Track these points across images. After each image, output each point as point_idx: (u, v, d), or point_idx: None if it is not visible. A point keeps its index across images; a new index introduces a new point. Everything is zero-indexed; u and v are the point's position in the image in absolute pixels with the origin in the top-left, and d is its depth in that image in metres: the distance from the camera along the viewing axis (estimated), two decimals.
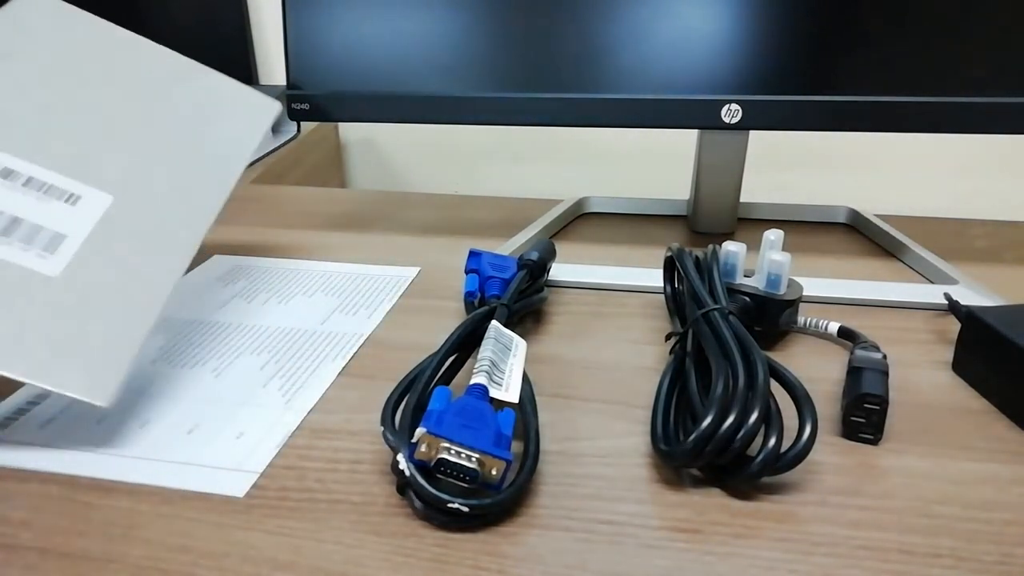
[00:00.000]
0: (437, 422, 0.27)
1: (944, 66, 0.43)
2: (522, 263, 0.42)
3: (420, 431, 0.26)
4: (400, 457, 0.27)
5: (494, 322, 0.34)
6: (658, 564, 0.26)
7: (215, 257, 0.51)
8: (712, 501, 0.28)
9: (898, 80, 0.43)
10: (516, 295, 0.39)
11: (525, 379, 0.33)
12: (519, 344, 0.34)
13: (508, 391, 0.30)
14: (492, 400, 0.29)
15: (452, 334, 0.34)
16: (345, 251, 0.52)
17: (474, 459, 0.26)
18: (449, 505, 0.26)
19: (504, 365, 0.31)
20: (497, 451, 0.26)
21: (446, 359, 0.33)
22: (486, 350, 0.32)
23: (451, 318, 0.43)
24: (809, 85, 0.44)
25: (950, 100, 0.43)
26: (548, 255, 0.44)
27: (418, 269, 0.49)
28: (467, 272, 0.42)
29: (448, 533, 0.27)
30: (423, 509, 0.27)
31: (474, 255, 0.42)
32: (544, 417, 0.33)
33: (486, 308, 0.37)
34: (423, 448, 0.26)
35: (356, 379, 0.37)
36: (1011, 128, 0.43)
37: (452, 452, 0.26)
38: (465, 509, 0.26)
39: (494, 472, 0.26)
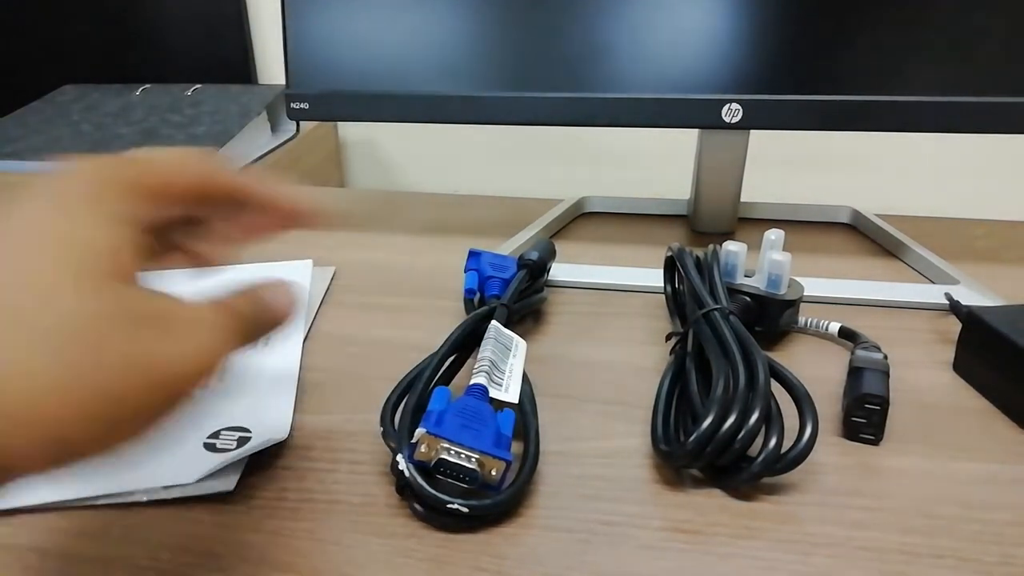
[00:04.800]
0: (437, 422, 0.27)
1: (945, 66, 0.42)
2: (522, 263, 0.42)
3: (420, 431, 0.26)
4: (399, 458, 0.27)
5: (494, 322, 0.34)
6: (658, 565, 0.25)
7: None
8: (712, 502, 0.28)
9: (899, 80, 0.43)
10: (516, 295, 0.39)
11: (525, 379, 0.32)
12: (519, 344, 0.34)
13: (508, 391, 0.30)
14: (492, 400, 0.29)
15: (452, 334, 0.34)
16: (344, 250, 0.52)
17: (474, 459, 0.26)
18: (448, 506, 0.26)
19: (504, 365, 0.31)
20: (497, 451, 0.26)
21: (446, 359, 0.33)
22: (486, 350, 0.31)
23: (451, 318, 0.43)
24: (810, 85, 0.44)
25: (951, 100, 0.43)
26: (548, 255, 0.44)
27: (334, 269, 0.49)
28: (466, 271, 0.42)
29: (447, 534, 0.27)
30: (422, 510, 0.27)
31: (474, 255, 0.42)
32: (544, 417, 0.33)
33: (486, 308, 0.37)
34: (423, 448, 0.26)
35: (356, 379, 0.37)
36: (1012, 128, 0.43)
37: (452, 452, 0.26)
38: (464, 510, 0.26)
39: (493, 473, 0.26)
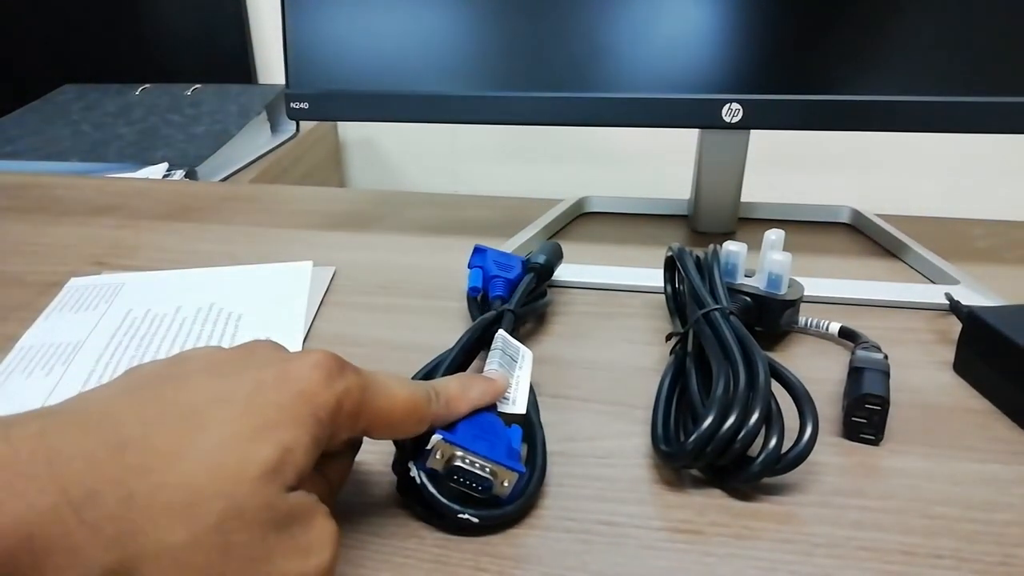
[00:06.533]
0: (452, 431, 0.27)
1: (945, 66, 0.42)
2: (529, 267, 0.41)
3: (436, 438, 0.26)
4: (411, 464, 0.27)
5: (501, 331, 0.34)
6: (658, 565, 0.25)
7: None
8: (713, 502, 0.28)
9: (900, 79, 0.43)
10: (523, 300, 0.38)
11: (530, 389, 0.32)
12: (525, 355, 0.33)
13: (515, 404, 0.30)
14: (499, 413, 0.29)
15: (461, 338, 0.34)
16: (343, 250, 0.52)
17: (487, 469, 0.26)
18: (459, 516, 0.26)
19: (511, 379, 0.31)
20: (511, 463, 0.26)
21: (456, 363, 0.33)
22: (493, 362, 0.31)
23: (451, 318, 0.43)
24: (810, 84, 0.44)
25: (952, 100, 0.42)
26: (555, 258, 0.44)
27: (333, 269, 0.49)
28: (471, 267, 0.41)
29: (448, 535, 0.27)
30: (425, 513, 0.27)
31: (479, 251, 0.42)
32: (545, 418, 0.33)
33: (493, 313, 0.36)
34: (437, 456, 0.26)
35: None
36: (1012, 128, 0.42)
37: (467, 461, 0.26)
38: (475, 520, 0.26)
39: (505, 484, 0.26)
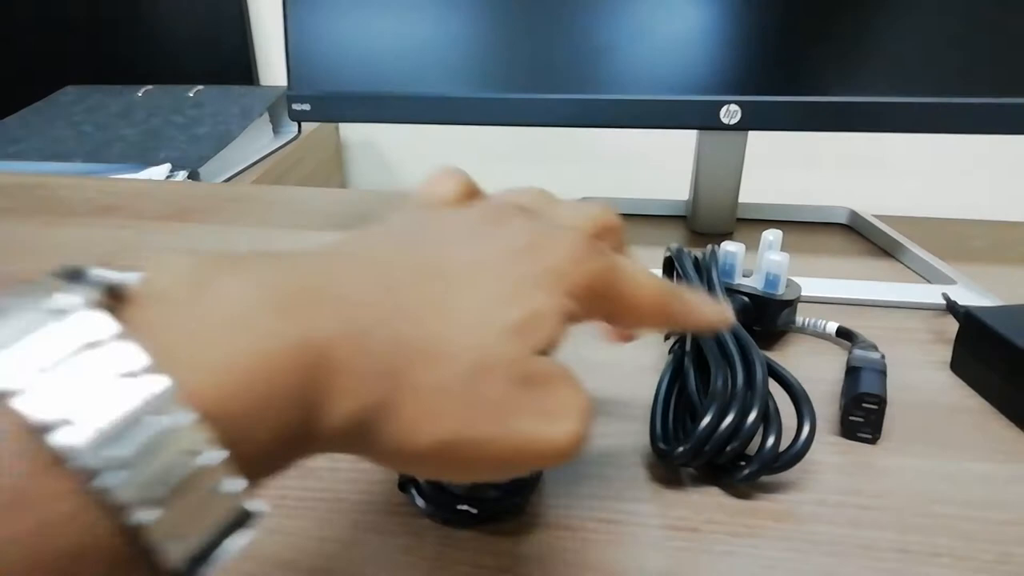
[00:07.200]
0: None
1: (944, 66, 0.43)
2: None
3: None
4: None
5: None
6: (657, 563, 0.26)
7: None
8: (711, 500, 0.28)
9: (898, 80, 0.43)
10: None
11: None
12: None
13: None
14: None
15: None
16: None
17: None
18: (458, 507, 0.26)
19: None
20: None
21: None
22: None
23: None
24: (808, 86, 0.44)
25: (950, 101, 0.43)
26: None
27: None
28: None
29: (448, 532, 0.27)
30: (426, 507, 0.27)
31: None
32: None
33: None
34: None
35: None
36: (1011, 128, 0.43)
37: None
38: (474, 511, 0.26)
39: None
